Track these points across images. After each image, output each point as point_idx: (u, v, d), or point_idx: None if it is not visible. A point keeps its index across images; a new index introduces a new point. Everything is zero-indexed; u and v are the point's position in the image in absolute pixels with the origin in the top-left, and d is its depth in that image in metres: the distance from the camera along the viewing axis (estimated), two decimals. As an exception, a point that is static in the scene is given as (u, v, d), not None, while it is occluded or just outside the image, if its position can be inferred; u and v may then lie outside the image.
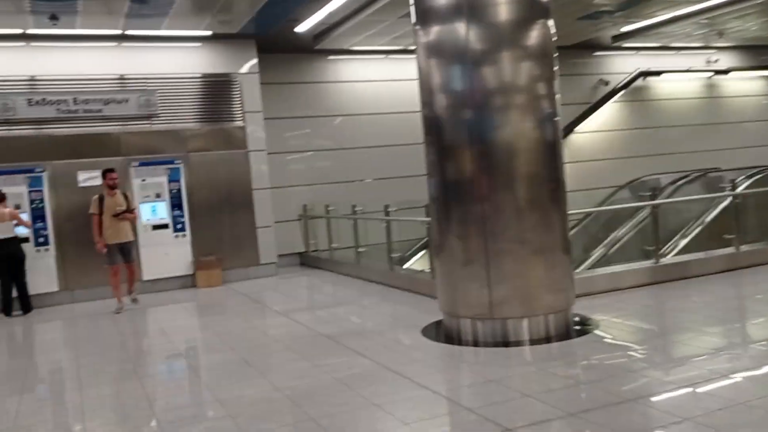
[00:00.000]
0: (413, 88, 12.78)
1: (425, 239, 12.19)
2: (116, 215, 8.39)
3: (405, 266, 10.42)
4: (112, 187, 8.48)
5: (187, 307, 8.96)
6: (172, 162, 10.22)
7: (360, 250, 10.01)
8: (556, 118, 5.66)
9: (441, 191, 5.77)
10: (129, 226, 8.63)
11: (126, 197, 8.64)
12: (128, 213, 8.54)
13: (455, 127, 5.60)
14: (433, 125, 5.77)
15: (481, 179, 5.47)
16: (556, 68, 5.66)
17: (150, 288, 9.95)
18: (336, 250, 11.17)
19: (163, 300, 9.32)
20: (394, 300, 7.98)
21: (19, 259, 8.92)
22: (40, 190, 9.49)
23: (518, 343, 5.46)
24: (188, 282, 10.27)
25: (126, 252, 8.57)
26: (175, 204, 10.25)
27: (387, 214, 9.00)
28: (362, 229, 10.23)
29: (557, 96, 5.66)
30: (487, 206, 5.45)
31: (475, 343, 5.57)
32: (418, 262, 11.45)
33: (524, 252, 5.46)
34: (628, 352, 5.01)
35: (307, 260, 12.01)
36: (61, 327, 8.19)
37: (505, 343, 5.48)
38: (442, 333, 5.96)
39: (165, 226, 10.18)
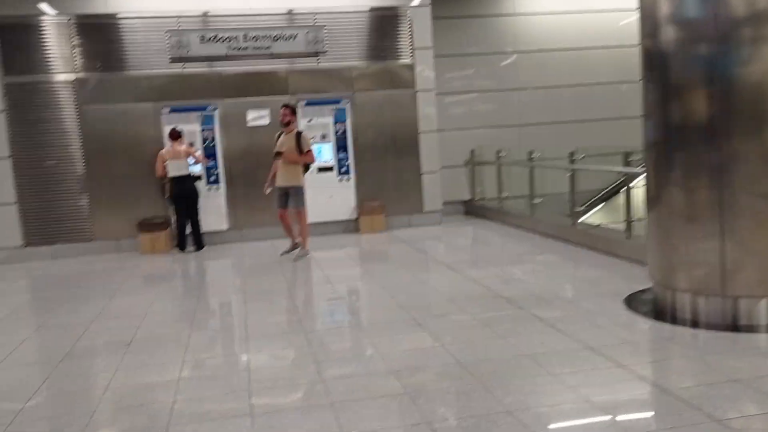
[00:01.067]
0: (600, 21, 11.60)
1: (605, 191, 11.05)
2: (274, 156, 7.86)
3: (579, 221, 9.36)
4: (284, 125, 7.93)
5: (350, 254, 8.64)
6: (338, 102, 9.83)
7: (535, 201, 9.07)
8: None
9: (662, 135, 4.75)
10: (295, 169, 7.87)
11: (299, 138, 7.87)
12: (300, 155, 7.78)
13: (687, 62, 4.53)
14: (656, 60, 4.73)
15: (720, 122, 4.38)
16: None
17: (313, 231, 9.71)
18: (505, 199, 10.33)
19: (326, 244, 9.08)
20: (579, 260, 7.05)
21: (194, 197, 9.04)
22: (212, 129, 9.51)
23: (751, 329, 4.41)
24: (351, 227, 9.98)
25: (291, 197, 7.94)
26: (341, 146, 9.89)
27: (572, 161, 7.96)
28: (536, 178, 9.26)
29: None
30: (726, 153, 4.37)
31: (694, 324, 4.58)
32: (594, 216, 10.33)
33: (772, 213, 4.34)
34: None
35: (472, 209, 11.29)
36: (231, 266, 8.20)
37: (735, 327, 4.45)
38: (650, 307, 5.02)
39: (330, 169, 9.89)
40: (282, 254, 8.24)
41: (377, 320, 5.16)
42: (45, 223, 9.16)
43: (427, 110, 10.11)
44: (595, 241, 7.38)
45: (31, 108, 9.02)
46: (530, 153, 9.17)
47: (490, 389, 3.56)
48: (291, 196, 7.95)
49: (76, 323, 5.65)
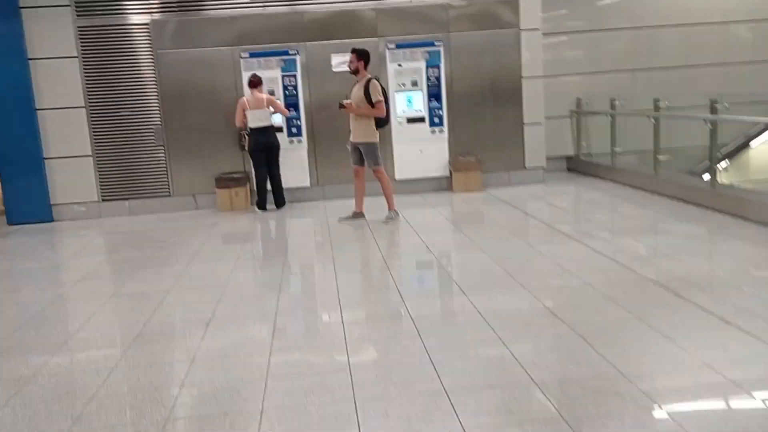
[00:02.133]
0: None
1: (729, 146, 9.72)
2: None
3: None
4: (352, 73, 6.94)
5: (445, 215, 7.74)
6: (431, 44, 8.78)
7: (660, 157, 7.86)
8: None
9: None
10: (364, 123, 6.86)
11: (367, 85, 6.74)
12: (372, 107, 6.77)
13: None
14: None
15: None
16: None
17: (401, 189, 8.91)
18: (619, 154, 9.13)
19: (417, 204, 8.22)
20: (726, 231, 5.91)
21: (275, 150, 8.31)
22: (294, 75, 8.69)
23: None
24: (442, 184, 9.05)
25: (363, 155, 7.01)
26: (433, 94, 8.89)
27: (713, 111, 6.71)
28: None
29: None
30: None
31: None
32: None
33: None
34: None
35: (576, 165, 10.13)
36: (315, 228, 7.46)
37: None
38: None
39: (421, 120, 8.92)
40: (340, 220, 7.37)
41: (499, 307, 4.26)
42: (121, 177, 8.68)
43: (531, 53, 8.94)
44: (745, 207, 6.19)
45: (105, 53, 8.43)
46: (656, 101, 7.91)
47: (679, 420, 2.63)
48: (363, 155, 7.02)
49: (150, 293, 5.06)
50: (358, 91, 6.88)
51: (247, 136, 8.23)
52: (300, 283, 5.40)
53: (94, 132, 8.53)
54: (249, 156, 8.36)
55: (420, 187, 8.99)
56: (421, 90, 8.86)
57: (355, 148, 7.06)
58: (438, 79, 8.84)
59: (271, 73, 8.58)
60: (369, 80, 6.84)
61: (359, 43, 8.40)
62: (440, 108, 8.90)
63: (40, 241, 7.61)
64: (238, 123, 8.21)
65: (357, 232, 6.86)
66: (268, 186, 8.41)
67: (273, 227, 7.75)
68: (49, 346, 4.04)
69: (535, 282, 4.67)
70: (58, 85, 8.39)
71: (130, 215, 8.69)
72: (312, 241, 6.90)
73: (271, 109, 8.18)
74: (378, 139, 7.02)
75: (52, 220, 8.56)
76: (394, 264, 5.64)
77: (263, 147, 8.20)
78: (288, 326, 4.15)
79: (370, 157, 7.00)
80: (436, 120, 8.92)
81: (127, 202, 8.73)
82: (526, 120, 9.06)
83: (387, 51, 8.70)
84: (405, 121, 8.87)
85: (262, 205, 8.38)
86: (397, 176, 8.92)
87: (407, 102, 8.86)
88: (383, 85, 6.97)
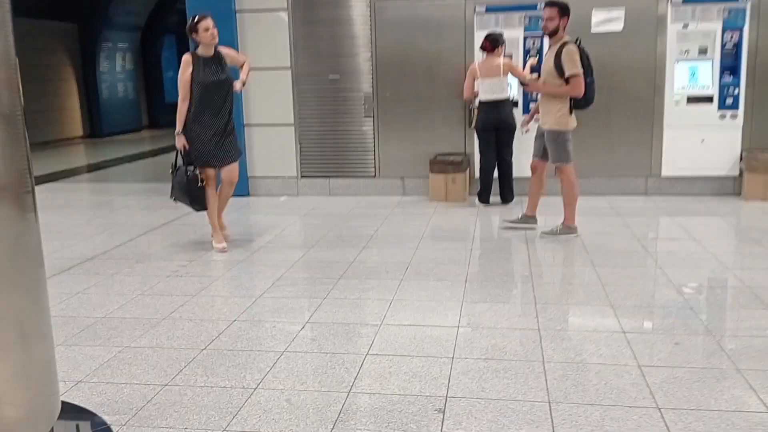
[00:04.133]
0: None
1: None
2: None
3: None
4: (549, 34, 5.12)
5: (751, 235, 5.51)
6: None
7: None
8: None
9: None
10: (552, 104, 5.05)
11: (560, 52, 4.94)
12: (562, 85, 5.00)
13: None
14: None
15: None
16: None
17: (667, 189, 6.83)
18: None
19: (696, 212, 6.16)
20: None
21: (508, 130, 6.60)
22: (537, 36, 6.84)
23: None
24: (727, 187, 6.75)
25: (547, 144, 5.22)
26: (727, 66, 6.58)
27: None
28: None
29: None
30: None
31: None
32: None
33: None
34: None
35: None
36: (557, 234, 5.62)
37: None
38: None
39: (707, 99, 6.66)
40: (506, 225, 5.71)
41: None
42: (323, 152, 7.52)
43: None
44: None
45: (316, 5, 7.22)
46: None
47: None
48: (546, 144, 5.19)
49: (354, 325, 3.71)
50: (548, 59, 5.08)
51: (476, 111, 6.60)
52: (569, 342, 3.59)
53: (297, 98, 7.41)
54: (476, 135, 6.74)
55: (695, 188, 6.80)
56: (712, 60, 6.58)
57: (541, 134, 5.27)
58: (737, 46, 6.51)
59: (512, 33, 6.80)
60: (563, 45, 4.92)
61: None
62: (736, 85, 6.56)
63: (232, 222, 6.62)
64: (466, 94, 6.61)
65: (617, 246, 4.95)
66: (495, 174, 6.75)
67: (503, 231, 6.06)
68: (211, 422, 2.72)
69: None
70: (265, 41, 7.36)
71: (329, 195, 7.52)
72: (562, 259, 5.08)
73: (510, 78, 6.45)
74: (572, 127, 5.11)
75: (248, 195, 7.64)
76: (715, 326, 3.65)
77: (494, 125, 6.54)
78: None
79: (555, 149, 5.15)
80: (729, 101, 6.60)
81: (326, 180, 7.57)
82: None
83: (670, 7, 6.52)
84: (684, 99, 6.68)
85: (485, 198, 6.76)
86: (664, 172, 6.81)
87: (690, 75, 6.64)
88: (587, 53, 4.98)
